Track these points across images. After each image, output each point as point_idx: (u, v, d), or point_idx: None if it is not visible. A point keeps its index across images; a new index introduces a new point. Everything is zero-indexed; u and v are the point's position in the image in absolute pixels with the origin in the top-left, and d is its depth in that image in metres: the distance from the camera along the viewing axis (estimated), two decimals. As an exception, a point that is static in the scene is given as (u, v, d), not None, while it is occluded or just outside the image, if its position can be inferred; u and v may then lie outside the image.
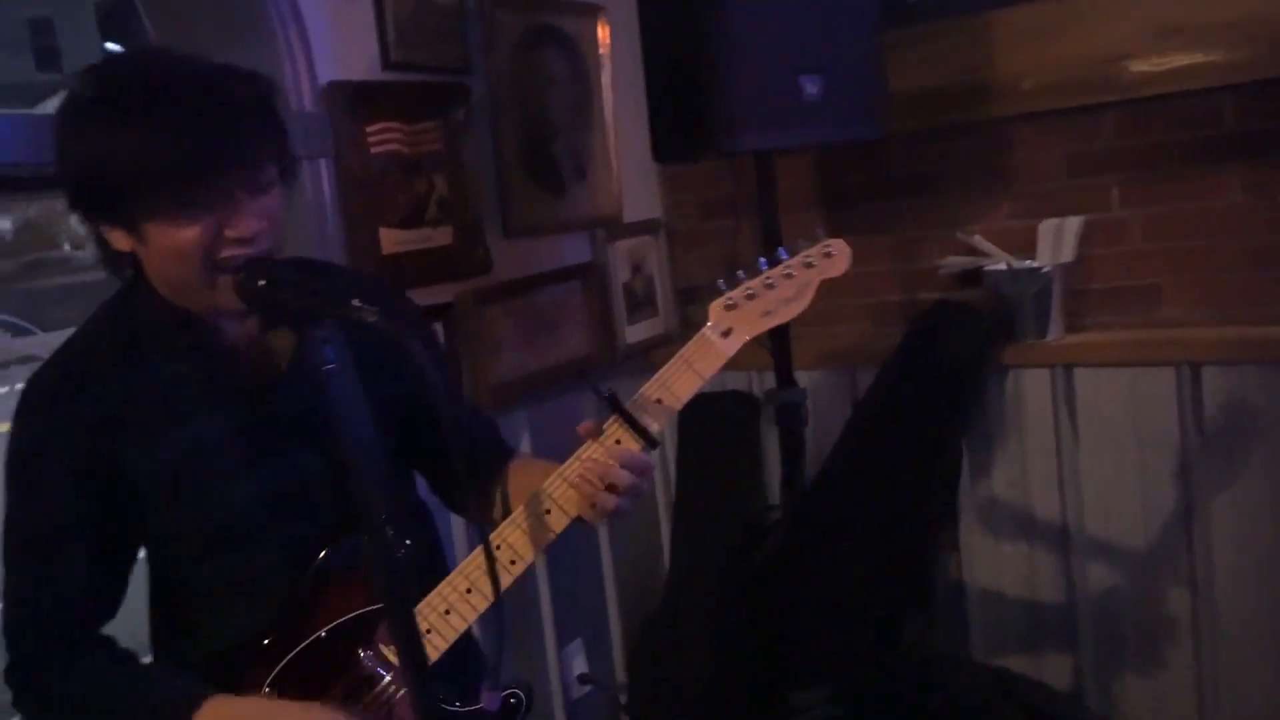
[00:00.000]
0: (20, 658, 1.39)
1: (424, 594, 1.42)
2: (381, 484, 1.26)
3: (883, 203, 2.87)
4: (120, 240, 1.31)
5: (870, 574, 2.65)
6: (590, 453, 1.38)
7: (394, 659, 1.39)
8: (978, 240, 2.70)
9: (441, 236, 2.52)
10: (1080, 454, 2.63)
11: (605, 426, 1.39)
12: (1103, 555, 2.64)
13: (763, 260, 1.44)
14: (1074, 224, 2.61)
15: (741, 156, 2.31)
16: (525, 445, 2.74)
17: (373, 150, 2.37)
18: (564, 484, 1.40)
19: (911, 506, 2.69)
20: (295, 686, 1.39)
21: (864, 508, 2.67)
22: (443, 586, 1.41)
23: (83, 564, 1.38)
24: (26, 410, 1.38)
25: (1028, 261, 2.61)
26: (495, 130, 2.64)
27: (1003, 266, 2.62)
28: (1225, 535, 2.49)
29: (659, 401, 1.40)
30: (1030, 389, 2.67)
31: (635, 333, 3.08)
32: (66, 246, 22.41)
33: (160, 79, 1.29)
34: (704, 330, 1.41)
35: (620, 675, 3.06)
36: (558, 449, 2.70)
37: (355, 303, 1.20)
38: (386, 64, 2.41)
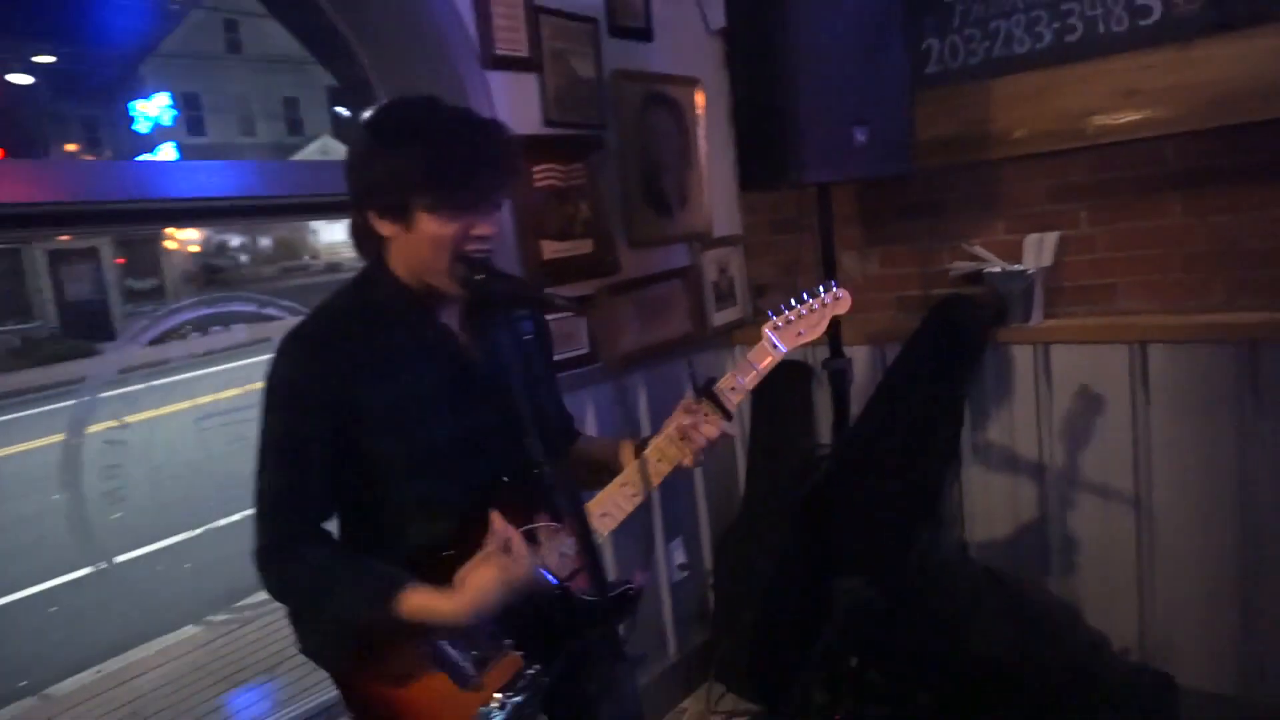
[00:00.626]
0: (268, 540, 1.33)
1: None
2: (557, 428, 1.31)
3: (908, 221, 2.84)
4: (386, 228, 1.31)
5: (894, 495, 2.64)
6: (688, 420, 1.42)
7: (544, 562, 1.36)
8: (978, 250, 2.67)
9: (585, 246, 2.56)
10: (1054, 409, 2.59)
11: (698, 404, 1.43)
12: (1070, 484, 2.60)
13: (792, 300, 1.51)
14: (1052, 238, 2.57)
15: (807, 187, 2.27)
16: (642, 398, 2.77)
17: (536, 184, 2.43)
18: (668, 441, 1.42)
19: (926, 446, 2.66)
20: None
21: (891, 446, 2.65)
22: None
23: (319, 472, 1.32)
24: (289, 353, 1.33)
25: (1017, 266, 2.56)
26: (622, 169, 2.69)
27: (998, 269, 2.58)
28: (1162, 469, 2.44)
29: (733, 389, 1.45)
30: (1018, 361, 2.63)
31: (720, 317, 3.10)
32: (305, 256, 23.21)
33: (443, 113, 1.32)
34: (762, 342, 1.48)
35: (708, 563, 3.08)
36: (666, 398, 2.74)
37: (548, 291, 1.24)
38: (546, 122, 2.46)
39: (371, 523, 1.38)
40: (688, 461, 1.42)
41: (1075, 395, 2.54)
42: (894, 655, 2.62)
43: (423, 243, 1.29)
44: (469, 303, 1.39)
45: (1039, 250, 2.57)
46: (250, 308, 2.21)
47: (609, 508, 1.41)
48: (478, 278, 1.28)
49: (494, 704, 1.26)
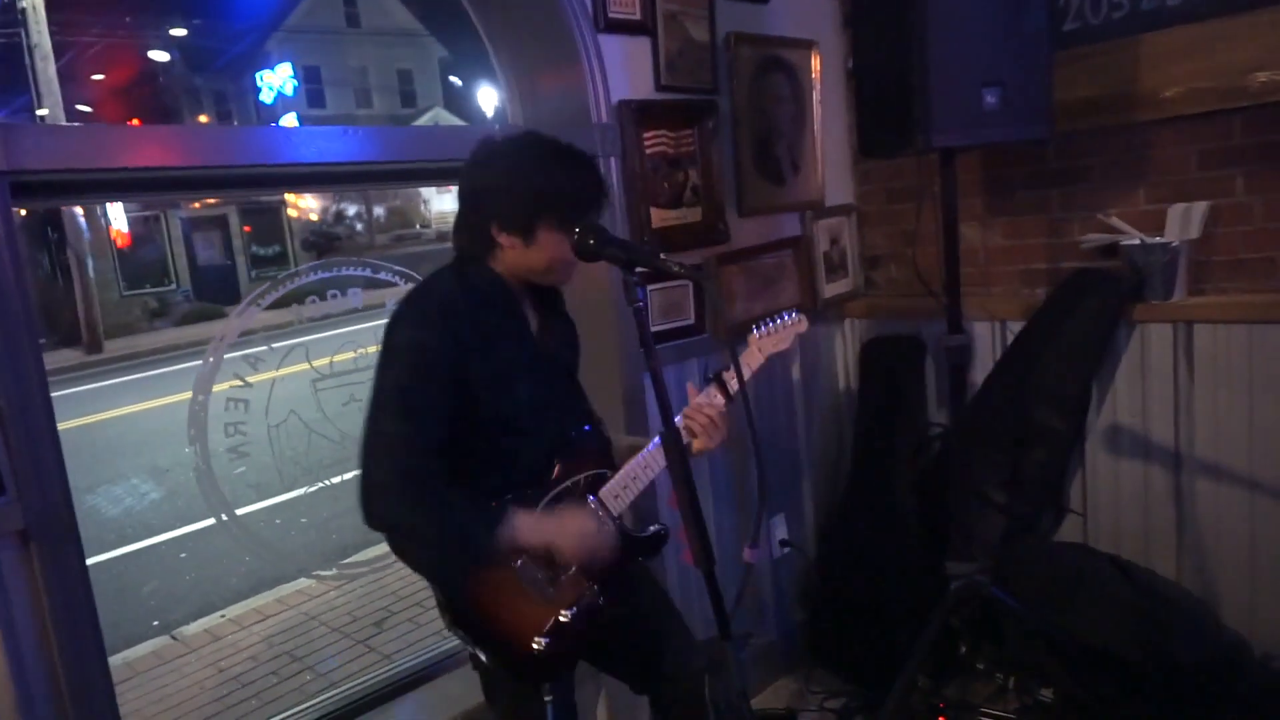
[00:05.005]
0: (392, 472, 1.41)
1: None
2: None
3: (1035, 191, 2.63)
4: (506, 240, 1.52)
5: (1014, 479, 2.48)
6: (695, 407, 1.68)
7: (609, 506, 1.61)
8: (1115, 221, 2.46)
9: (694, 215, 2.48)
10: (1195, 393, 2.37)
11: (708, 389, 1.70)
12: (1211, 476, 2.38)
13: (770, 319, 1.81)
14: (1200, 207, 2.34)
15: (931, 153, 2.12)
16: (748, 370, 2.67)
17: (647, 151, 2.35)
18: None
19: (1048, 427, 2.49)
20: None
21: (1010, 427, 2.50)
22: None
23: (437, 421, 1.46)
24: (414, 318, 1.49)
25: (1158, 238, 2.34)
26: (735, 136, 2.58)
27: (1137, 241, 2.37)
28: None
29: (732, 378, 1.70)
30: (1154, 339, 2.41)
31: (832, 289, 2.97)
32: (417, 225, 23.82)
33: (563, 148, 1.54)
34: (750, 346, 1.80)
35: (812, 541, 2.98)
36: (772, 370, 2.63)
37: (662, 256, 1.20)
38: (658, 87, 2.38)
39: (466, 470, 1.53)
40: (697, 444, 1.66)
41: (1220, 379, 2.31)
42: (1006, 641, 2.48)
43: (541, 254, 1.52)
44: (538, 299, 1.64)
45: (1185, 221, 2.34)
46: (364, 272, 2.23)
47: (621, 488, 1.63)
48: (591, 242, 1.37)
49: (563, 615, 1.54)
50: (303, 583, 4.20)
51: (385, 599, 3.93)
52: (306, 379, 2.19)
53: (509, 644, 1.51)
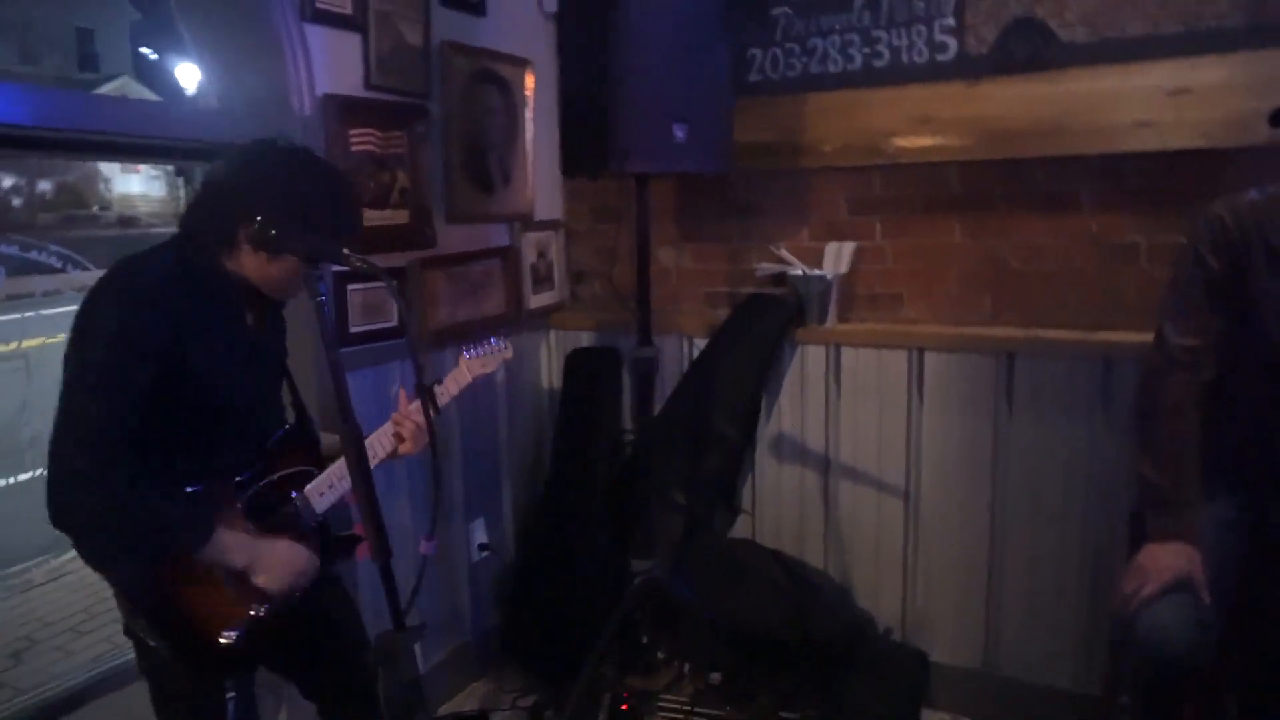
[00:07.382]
0: (90, 463, 1.33)
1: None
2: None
3: (720, 221, 2.90)
4: (248, 248, 1.48)
5: (693, 482, 2.71)
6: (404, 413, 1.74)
7: (313, 503, 1.63)
8: (784, 253, 2.77)
9: (400, 217, 2.46)
10: (841, 406, 2.73)
11: (413, 401, 1.74)
12: (851, 477, 2.75)
13: (478, 345, 1.92)
14: (849, 247, 2.70)
15: (627, 177, 2.28)
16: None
17: (353, 148, 2.31)
18: (386, 432, 1.74)
19: (724, 436, 2.75)
20: (256, 510, 1.55)
21: (690, 433, 2.72)
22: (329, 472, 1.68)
23: (139, 409, 1.37)
24: (121, 297, 1.40)
25: (817, 271, 2.68)
26: (445, 142, 2.59)
27: (800, 272, 2.69)
28: (929, 465, 2.63)
29: (444, 393, 1.84)
30: (811, 359, 2.75)
31: (537, 300, 3.07)
32: (95, 206, 20.91)
33: (336, 178, 1.59)
34: (461, 367, 1.88)
35: (511, 544, 3.04)
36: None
37: (345, 251, 1.22)
38: (368, 85, 2.34)
39: (168, 458, 1.47)
40: (404, 448, 1.73)
41: (858, 395, 2.69)
42: (682, 631, 2.70)
43: (279, 271, 1.52)
44: (258, 297, 1.60)
45: (838, 257, 2.70)
46: (11, 250, 1.97)
47: (326, 486, 1.65)
48: (272, 234, 1.39)
49: (255, 611, 1.49)
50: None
51: (29, 625, 3.44)
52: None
53: (193, 637, 1.45)
